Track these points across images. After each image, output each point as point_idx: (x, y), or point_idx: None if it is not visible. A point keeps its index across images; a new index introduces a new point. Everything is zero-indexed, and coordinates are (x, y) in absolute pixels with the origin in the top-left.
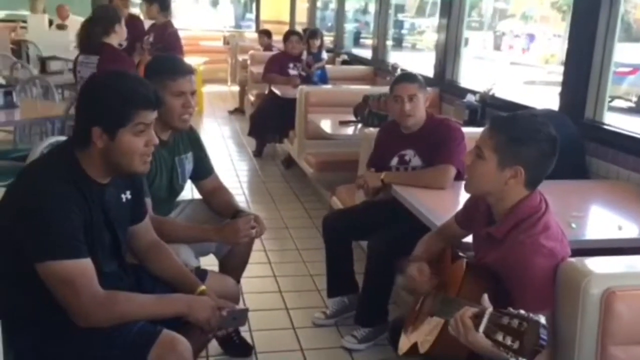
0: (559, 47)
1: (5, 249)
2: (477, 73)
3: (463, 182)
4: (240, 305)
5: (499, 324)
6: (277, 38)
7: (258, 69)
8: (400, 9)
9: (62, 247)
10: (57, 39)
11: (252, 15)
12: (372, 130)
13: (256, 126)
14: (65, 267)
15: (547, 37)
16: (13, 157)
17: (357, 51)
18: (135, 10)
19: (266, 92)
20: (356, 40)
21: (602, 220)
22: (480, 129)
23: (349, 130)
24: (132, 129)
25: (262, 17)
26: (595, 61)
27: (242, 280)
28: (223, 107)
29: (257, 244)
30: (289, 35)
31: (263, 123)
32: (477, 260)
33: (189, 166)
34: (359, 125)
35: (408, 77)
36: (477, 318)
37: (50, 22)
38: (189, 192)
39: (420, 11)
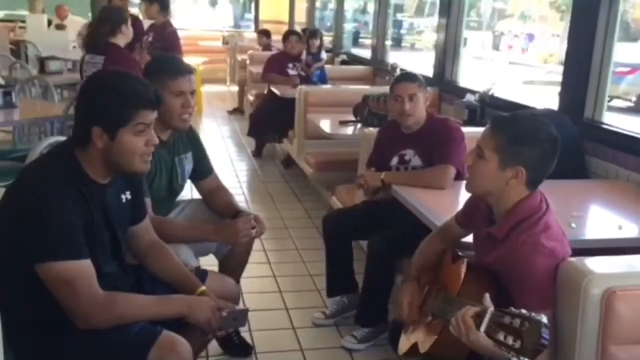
0: (558, 47)
1: (5, 250)
2: (476, 73)
3: (463, 182)
4: (240, 306)
5: (500, 323)
6: (276, 38)
7: (257, 69)
8: (399, 8)
9: (62, 248)
10: (56, 39)
11: (251, 15)
12: (372, 130)
13: (255, 126)
14: (65, 268)
15: (545, 37)
16: (12, 157)
17: (356, 51)
18: (134, 10)
19: (265, 92)
20: (355, 40)
21: (602, 220)
22: (479, 129)
23: (349, 130)
24: (132, 129)
25: (261, 17)
26: (595, 61)
27: (242, 281)
28: (222, 107)
29: (256, 244)
30: (288, 35)
31: (262, 123)
32: (477, 260)
33: (188, 166)
34: (359, 125)
35: (408, 77)
36: (478, 317)
37: (49, 22)
38: (188, 192)
39: (419, 11)
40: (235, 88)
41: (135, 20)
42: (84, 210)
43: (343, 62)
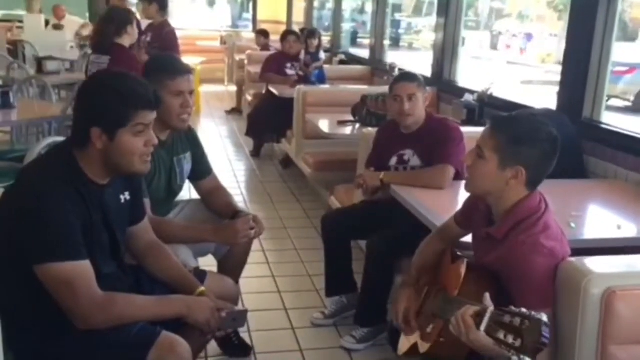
0: (556, 47)
1: (5, 250)
2: (474, 73)
3: (462, 182)
4: (240, 307)
5: (500, 322)
6: (274, 38)
7: (255, 69)
8: (397, 8)
9: (61, 249)
10: (53, 39)
11: (249, 15)
12: (371, 130)
13: (254, 126)
14: (64, 269)
15: (543, 37)
16: (10, 157)
17: (354, 51)
18: (132, 10)
19: (264, 92)
20: (353, 40)
21: (601, 220)
22: (478, 129)
23: (347, 130)
24: (131, 130)
25: (259, 16)
26: (593, 60)
27: (241, 281)
28: (220, 107)
29: (255, 244)
30: (286, 35)
31: (261, 123)
32: (476, 261)
33: (187, 166)
34: (357, 125)
35: (407, 77)
36: (478, 317)
37: (47, 22)
38: (187, 192)
39: (417, 11)
40: (233, 88)
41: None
42: (83, 210)
43: (341, 62)
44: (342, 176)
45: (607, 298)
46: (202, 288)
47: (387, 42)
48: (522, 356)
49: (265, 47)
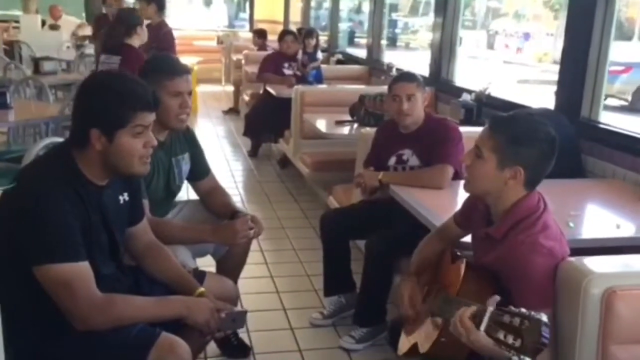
0: (552, 46)
1: (4, 251)
2: (471, 72)
3: (461, 182)
4: (239, 307)
5: (500, 322)
6: (271, 38)
7: (252, 69)
8: (393, 8)
9: (60, 250)
10: (50, 39)
11: (246, 15)
12: (369, 130)
13: (251, 126)
14: (63, 270)
15: (540, 36)
16: (7, 158)
17: (351, 50)
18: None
19: (261, 91)
20: (350, 40)
21: (599, 219)
22: (476, 129)
23: (345, 129)
24: (130, 131)
25: (256, 16)
26: (591, 60)
27: (239, 281)
28: (217, 107)
29: (253, 245)
30: (284, 34)
31: (258, 123)
32: (476, 261)
33: (185, 167)
34: (355, 125)
35: (407, 77)
36: (477, 317)
37: (43, 22)
38: (184, 192)
39: (414, 10)
40: (230, 88)
41: None
42: (81, 211)
43: (338, 62)
44: (339, 176)
45: (607, 298)
46: (202, 289)
47: (384, 42)
48: (522, 356)
49: (262, 47)
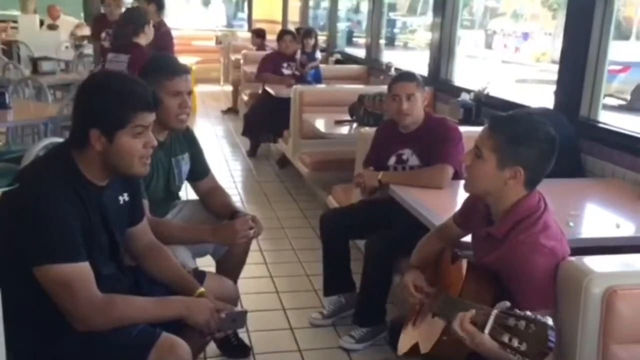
0: (550, 45)
1: (4, 251)
2: (469, 71)
3: (461, 182)
4: (239, 308)
5: (505, 325)
6: (269, 37)
7: (251, 69)
8: (391, 7)
9: (60, 250)
10: (48, 39)
11: (244, 15)
12: (369, 130)
13: (250, 126)
14: (63, 271)
15: (538, 35)
16: (6, 158)
17: (350, 50)
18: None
19: (260, 91)
20: (349, 40)
21: (599, 219)
22: (475, 128)
23: (344, 129)
24: (130, 131)
25: (255, 16)
26: (590, 59)
27: (239, 281)
28: (216, 106)
29: (253, 245)
30: (282, 34)
31: (257, 123)
32: (476, 260)
33: (185, 167)
34: (354, 125)
35: (406, 76)
36: (480, 320)
37: (41, 22)
38: (184, 192)
39: (412, 10)
40: (228, 88)
41: None
42: (81, 212)
43: (337, 62)
44: (338, 176)
45: (608, 297)
46: (202, 289)
47: (382, 42)
48: None
49: (261, 47)
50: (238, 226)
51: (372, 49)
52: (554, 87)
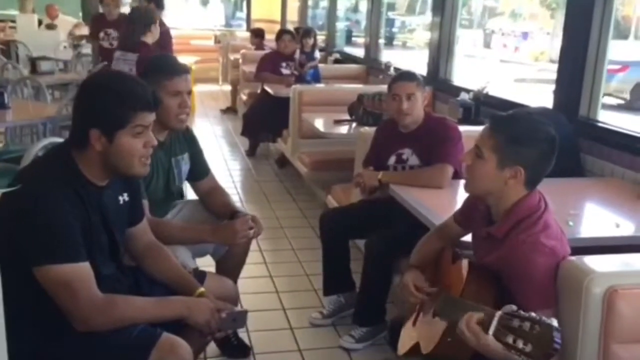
0: (549, 45)
1: (4, 251)
2: (468, 71)
3: (461, 181)
4: (239, 307)
5: (509, 326)
6: (268, 37)
7: (250, 68)
8: (390, 7)
9: (61, 250)
10: (46, 39)
11: (243, 14)
12: (368, 129)
13: (249, 125)
14: (63, 271)
15: (536, 35)
16: (5, 158)
17: (349, 50)
18: (126, 10)
19: (259, 91)
20: (348, 39)
21: (598, 218)
22: (475, 128)
23: (343, 129)
24: (130, 131)
25: (253, 15)
26: (590, 58)
27: (239, 281)
28: (215, 106)
29: (252, 244)
30: (281, 34)
31: (256, 122)
32: (477, 260)
33: (185, 167)
34: (354, 124)
35: (406, 76)
36: (484, 321)
37: (40, 22)
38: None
39: (410, 9)
40: (227, 87)
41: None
42: (81, 212)
43: (336, 61)
44: (338, 175)
45: (608, 297)
46: (202, 289)
47: (381, 41)
48: None
49: (259, 47)
50: (238, 226)
51: (371, 48)
52: (552, 87)
